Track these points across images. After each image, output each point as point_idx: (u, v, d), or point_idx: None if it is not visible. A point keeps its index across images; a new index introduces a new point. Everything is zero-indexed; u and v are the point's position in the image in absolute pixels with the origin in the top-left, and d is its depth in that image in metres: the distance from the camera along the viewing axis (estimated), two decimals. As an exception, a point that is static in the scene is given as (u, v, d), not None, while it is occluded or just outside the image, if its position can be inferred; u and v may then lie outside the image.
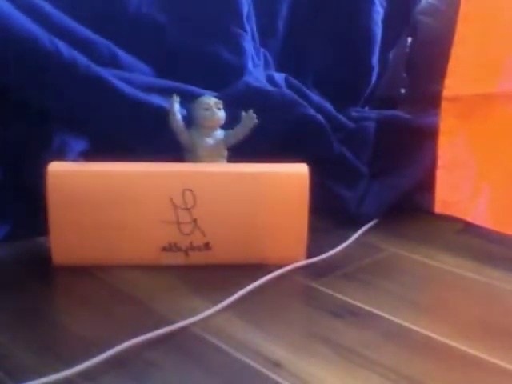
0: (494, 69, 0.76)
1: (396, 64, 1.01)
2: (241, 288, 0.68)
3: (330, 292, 0.70)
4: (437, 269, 0.77)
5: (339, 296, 0.69)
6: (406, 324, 0.64)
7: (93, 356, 0.55)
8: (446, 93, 0.81)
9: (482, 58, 0.78)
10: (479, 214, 0.80)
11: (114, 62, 0.84)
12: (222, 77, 0.91)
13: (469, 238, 0.84)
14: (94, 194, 0.71)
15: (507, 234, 0.78)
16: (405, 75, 1.01)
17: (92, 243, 0.72)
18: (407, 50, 1.06)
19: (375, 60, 1.04)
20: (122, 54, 0.85)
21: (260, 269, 0.72)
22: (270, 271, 0.72)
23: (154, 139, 0.81)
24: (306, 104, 0.90)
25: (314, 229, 0.75)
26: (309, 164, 0.74)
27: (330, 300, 0.68)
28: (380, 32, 1.03)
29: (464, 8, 0.78)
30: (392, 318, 0.65)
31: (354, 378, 0.55)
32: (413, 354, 0.59)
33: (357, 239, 0.84)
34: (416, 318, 0.65)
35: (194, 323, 0.62)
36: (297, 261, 0.75)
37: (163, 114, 0.77)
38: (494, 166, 0.79)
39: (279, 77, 0.94)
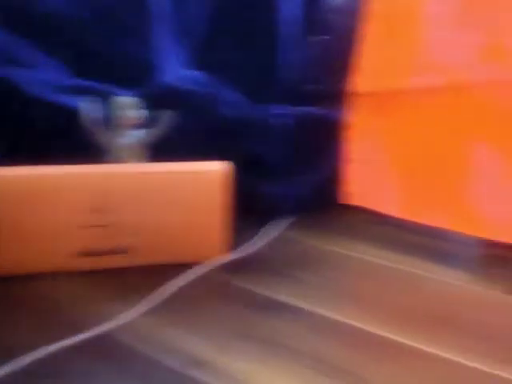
0: (402, 65, 0.79)
1: (309, 61, 1.02)
2: (162, 289, 0.67)
3: (253, 288, 0.70)
4: (357, 260, 0.79)
5: (262, 291, 0.69)
6: (330, 315, 0.65)
7: (4, 364, 0.53)
8: (356, 89, 0.83)
9: (391, 55, 0.80)
10: (393, 204, 0.82)
11: (27, 62, 0.81)
12: (139, 76, 0.90)
13: (385, 229, 0.87)
14: (7, 199, 0.68)
15: (420, 223, 0.80)
16: (318, 72, 1.03)
17: (6, 249, 0.69)
18: (319, 48, 1.08)
19: (289, 58, 1.06)
20: (35, 54, 0.82)
21: (182, 268, 0.72)
22: (190, 271, 0.71)
23: (69, 140, 0.79)
24: (224, 102, 0.90)
25: (235, 226, 0.76)
26: (229, 162, 0.74)
27: (252, 295, 0.69)
28: (292, 30, 1.05)
29: (373, 7, 0.80)
30: (315, 309, 0.66)
31: (279, 371, 0.56)
32: (337, 343, 0.60)
33: (278, 235, 0.85)
34: (339, 308, 0.66)
35: (114, 328, 0.61)
36: (218, 258, 0.75)
37: (77, 114, 0.75)
38: (404, 158, 0.81)
39: (197, 75, 0.94)
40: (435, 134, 0.78)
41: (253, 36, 1.02)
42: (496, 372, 0.57)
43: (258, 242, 0.81)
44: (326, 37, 0.94)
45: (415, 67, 0.78)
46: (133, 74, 0.89)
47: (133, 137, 0.77)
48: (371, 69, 0.81)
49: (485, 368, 0.57)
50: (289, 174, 0.93)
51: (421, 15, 0.78)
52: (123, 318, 0.62)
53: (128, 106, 0.76)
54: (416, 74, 0.78)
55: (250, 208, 0.88)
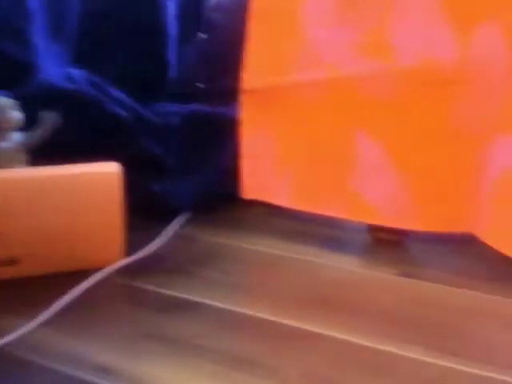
0: (287, 61, 0.81)
1: (197, 59, 1.02)
2: (57, 299, 0.64)
3: (154, 288, 0.69)
4: (257, 252, 0.80)
5: (164, 291, 0.69)
6: (236, 309, 0.66)
7: None
8: (243, 86, 0.84)
9: (275, 52, 0.82)
10: (286, 196, 0.85)
11: None
12: (14, 75, 0.85)
13: (282, 220, 0.89)
14: None
15: (313, 212, 0.83)
16: (206, 70, 1.04)
17: None
18: (203, 46, 1.08)
19: (173, 56, 1.05)
20: None
21: (80, 275, 0.69)
22: (89, 276, 0.69)
23: None
24: (108, 101, 0.88)
25: (131, 227, 0.74)
26: (119, 162, 0.72)
27: (155, 297, 0.68)
28: (175, 28, 1.04)
29: (254, 4, 0.82)
30: (221, 305, 0.67)
31: (190, 371, 0.56)
32: (247, 337, 0.61)
33: (175, 233, 0.84)
34: (243, 301, 0.67)
35: (9, 342, 0.57)
36: (116, 262, 0.73)
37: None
38: (296, 152, 0.83)
39: (78, 74, 0.90)
40: (321, 127, 0.81)
41: (138, 33, 1.00)
42: (399, 351, 0.60)
43: (159, 242, 0.80)
44: (211, 34, 0.94)
45: (298, 63, 0.80)
46: (10, 74, 0.84)
47: (13, 140, 0.73)
48: (258, 66, 0.83)
49: (393, 349, 0.60)
50: (184, 171, 0.93)
51: (301, 12, 0.80)
52: (18, 332, 0.59)
53: (6, 107, 0.71)
54: (299, 70, 0.81)
55: (147, 208, 0.87)
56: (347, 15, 0.78)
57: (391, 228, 0.80)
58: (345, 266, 0.77)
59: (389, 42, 0.75)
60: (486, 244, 0.73)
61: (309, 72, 0.80)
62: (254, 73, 0.83)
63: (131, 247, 0.75)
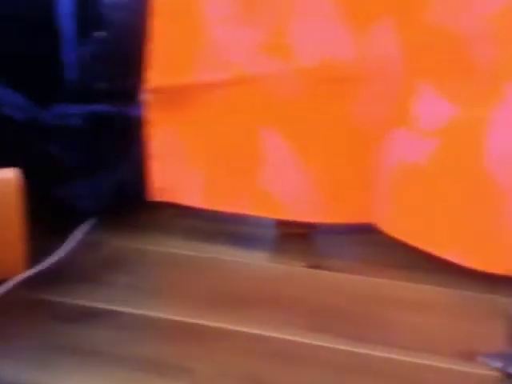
0: (191, 60, 0.81)
1: (92, 59, 1.00)
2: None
3: (62, 299, 0.67)
4: (167, 255, 0.79)
5: (72, 301, 0.67)
6: (149, 313, 0.65)
7: None
8: (147, 85, 0.83)
9: (179, 51, 0.82)
10: (196, 196, 0.84)
11: None
12: None
13: (189, 221, 0.89)
14: None
15: (224, 211, 0.84)
16: (108, 69, 1.01)
17: None
18: (102, 45, 1.06)
19: (70, 55, 1.02)
20: None
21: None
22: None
23: None
24: (3, 104, 0.84)
25: (34, 236, 0.71)
26: (18, 168, 0.69)
27: (63, 307, 0.66)
28: (71, 27, 1.01)
29: (155, 2, 0.81)
30: (131, 310, 0.66)
31: (100, 379, 0.55)
32: (159, 340, 0.61)
33: (80, 239, 0.82)
34: (155, 305, 0.67)
35: None
36: (19, 274, 0.70)
37: None
38: (204, 151, 0.83)
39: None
40: (229, 126, 0.81)
41: (30, 33, 0.96)
42: (311, 341, 0.62)
43: (64, 250, 0.78)
44: (111, 33, 0.92)
45: (203, 62, 0.80)
46: None
47: None
48: (162, 65, 0.82)
49: (305, 340, 0.62)
50: (86, 174, 0.90)
51: (204, 11, 0.80)
52: None
53: None
54: (204, 69, 0.81)
55: (51, 215, 0.83)
56: (249, 15, 0.79)
57: (299, 222, 0.82)
58: (255, 261, 0.78)
59: (289, 42, 0.77)
60: (385, 233, 0.76)
61: (214, 71, 0.80)
62: (158, 72, 0.82)
63: (35, 257, 0.72)
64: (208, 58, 0.80)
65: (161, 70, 0.82)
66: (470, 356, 0.59)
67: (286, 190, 0.81)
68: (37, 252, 0.72)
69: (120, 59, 0.98)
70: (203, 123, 0.83)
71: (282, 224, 0.84)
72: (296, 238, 0.83)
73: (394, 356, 0.60)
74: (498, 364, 0.56)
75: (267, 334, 0.62)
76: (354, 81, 0.76)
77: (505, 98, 0.68)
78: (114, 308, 0.65)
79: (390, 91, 0.75)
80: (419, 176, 0.74)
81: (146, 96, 0.84)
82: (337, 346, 0.61)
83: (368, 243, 0.81)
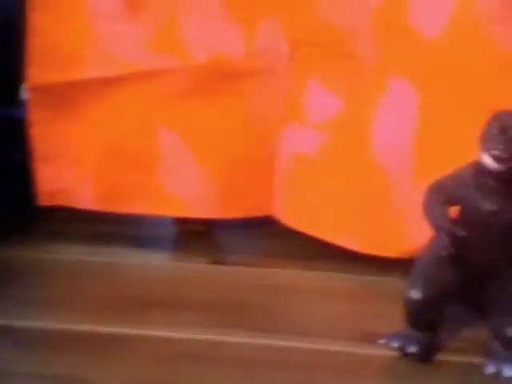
0: (75, 56, 0.78)
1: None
2: None
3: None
4: (58, 261, 0.76)
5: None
6: (44, 325, 0.62)
7: None
8: (28, 84, 0.79)
9: (60, 46, 0.78)
10: (88, 198, 0.82)
11: None
12: None
13: (82, 224, 0.85)
14: None
15: (119, 212, 0.81)
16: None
17: None
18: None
19: None
20: None
21: None
22: None
23: None
24: None
25: None
26: None
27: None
28: None
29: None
30: (28, 323, 0.63)
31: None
32: (61, 352, 0.59)
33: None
34: (53, 316, 0.64)
35: None
36: None
37: None
38: (94, 151, 0.81)
39: None
40: (120, 124, 0.79)
41: None
42: (219, 337, 0.62)
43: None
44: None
45: (89, 59, 0.78)
46: None
47: None
48: (43, 62, 0.78)
49: (212, 337, 0.62)
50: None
51: (87, 5, 0.77)
52: None
53: None
54: (91, 66, 0.78)
55: None
56: (135, 10, 0.77)
57: (198, 219, 0.81)
58: (155, 262, 0.77)
59: (179, 37, 0.76)
60: (284, 224, 0.77)
61: (99, 68, 0.78)
62: (39, 69, 0.78)
63: None
64: (93, 54, 0.77)
65: (41, 67, 0.78)
66: (370, 338, 0.61)
67: (184, 187, 0.80)
68: None
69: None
70: (92, 122, 0.80)
71: (181, 222, 0.83)
72: (196, 235, 0.83)
73: (299, 344, 0.61)
74: (397, 344, 0.59)
75: (173, 335, 0.61)
76: (244, 76, 0.77)
77: (387, 92, 0.71)
78: (8, 323, 0.62)
79: (281, 86, 0.76)
80: (310, 167, 0.76)
81: (27, 95, 0.79)
82: (243, 340, 0.61)
83: (269, 235, 0.82)
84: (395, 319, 0.60)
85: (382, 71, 0.71)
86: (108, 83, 0.78)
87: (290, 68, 0.76)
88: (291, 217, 0.77)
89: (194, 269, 0.75)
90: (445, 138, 0.68)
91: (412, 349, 0.57)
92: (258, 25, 0.75)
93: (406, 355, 0.58)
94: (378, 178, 0.71)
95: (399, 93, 0.70)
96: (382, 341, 0.59)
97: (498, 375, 0.56)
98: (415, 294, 0.57)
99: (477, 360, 0.58)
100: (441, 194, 0.55)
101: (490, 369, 0.56)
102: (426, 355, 0.58)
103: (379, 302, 0.68)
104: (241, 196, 0.80)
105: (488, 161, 0.52)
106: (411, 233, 0.69)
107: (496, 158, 0.51)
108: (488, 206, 0.53)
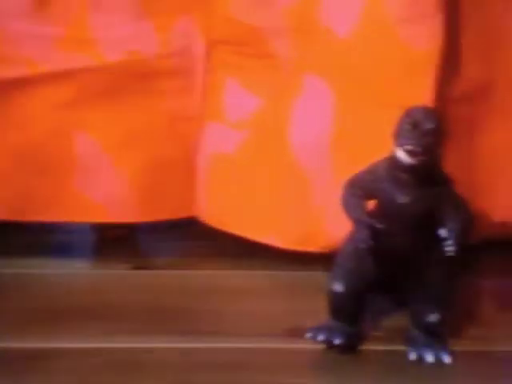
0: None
1: None
2: None
3: None
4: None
5: None
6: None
7: None
8: None
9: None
10: (3, 208, 0.78)
11: None
12: None
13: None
14: None
15: (35, 221, 0.78)
16: None
17: None
18: None
19: None
20: None
21: None
22: None
23: None
24: None
25: None
26: None
27: None
28: None
29: None
30: None
31: None
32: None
33: None
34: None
35: None
36: None
37: None
38: (5, 156, 0.76)
39: None
40: (34, 127, 0.76)
41: None
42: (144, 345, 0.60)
43: None
44: None
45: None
46: None
47: None
48: None
49: (138, 344, 0.61)
50: None
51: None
52: None
53: None
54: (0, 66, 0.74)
55: None
56: (44, 9, 0.74)
57: (118, 224, 0.80)
58: (76, 270, 0.75)
59: (91, 36, 0.74)
60: (207, 224, 0.77)
61: (9, 69, 0.74)
62: None
63: None
64: (2, 53, 0.74)
65: None
66: (298, 333, 0.62)
67: (102, 192, 0.78)
68: None
69: None
70: (1, 127, 0.76)
71: (100, 228, 0.81)
72: (118, 240, 0.81)
73: (229, 345, 0.61)
74: (322, 337, 0.60)
75: (97, 345, 0.60)
76: (161, 76, 0.76)
77: (304, 91, 0.72)
78: None
79: (200, 86, 0.76)
80: (231, 166, 0.76)
81: None
82: (172, 345, 0.61)
83: (192, 237, 0.81)
84: (321, 313, 0.61)
85: (298, 70, 0.72)
86: (17, 84, 0.75)
87: (208, 67, 0.76)
88: (214, 217, 0.77)
89: (118, 275, 0.74)
90: (359, 135, 0.70)
91: (337, 341, 0.59)
92: (173, 23, 0.75)
93: (331, 347, 0.60)
94: (298, 175, 0.73)
95: (315, 91, 0.71)
96: (308, 335, 0.60)
97: (420, 361, 0.58)
98: (338, 287, 0.58)
99: (400, 348, 0.60)
100: (358, 189, 0.57)
101: (412, 356, 0.58)
102: (351, 346, 0.60)
103: (304, 296, 0.69)
104: (162, 198, 0.79)
105: (402, 155, 0.53)
106: (331, 228, 0.70)
107: (409, 153, 0.53)
108: (402, 198, 0.55)
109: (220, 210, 0.77)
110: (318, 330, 0.60)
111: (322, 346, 0.60)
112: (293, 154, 0.72)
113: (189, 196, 0.78)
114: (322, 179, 0.72)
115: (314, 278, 0.71)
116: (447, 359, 0.58)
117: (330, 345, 0.60)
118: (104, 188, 0.78)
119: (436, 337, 0.59)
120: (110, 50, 0.74)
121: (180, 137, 0.78)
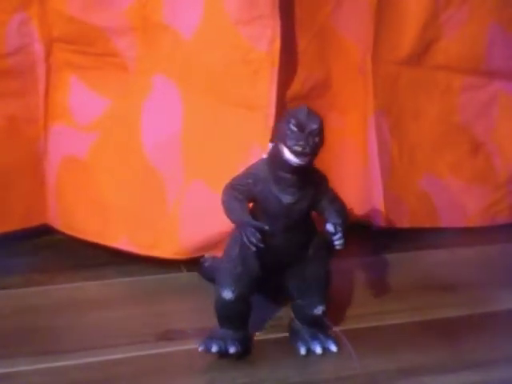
0: None
1: None
2: None
3: None
4: None
5: None
6: None
7: None
8: None
9: None
10: None
11: None
12: None
13: None
14: None
15: None
16: None
17: None
18: None
19: None
20: None
21: None
22: None
23: None
24: None
25: None
26: None
27: None
28: None
29: None
30: None
31: None
32: None
33: None
34: None
35: None
36: None
37: None
38: None
39: None
40: None
41: None
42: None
43: None
44: None
45: None
46: None
47: None
48: None
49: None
50: None
51: None
52: None
53: None
54: None
55: None
56: None
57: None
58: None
59: None
60: (60, 231, 0.72)
61: None
62: None
63: None
64: None
65: None
66: (167, 337, 0.60)
67: None
68: None
69: None
70: None
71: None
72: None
73: (94, 359, 0.57)
74: (216, 348, 0.57)
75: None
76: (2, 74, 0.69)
77: (152, 90, 0.70)
78: None
79: (41, 86, 0.71)
80: (82, 169, 0.71)
81: None
82: (34, 367, 0.56)
83: (44, 247, 0.74)
84: (186, 313, 0.60)
85: (147, 70, 0.70)
86: None
87: (49, 67, 0.71)
88: (66, 223, 0.72)
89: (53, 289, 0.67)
90: (208, 135, 0.69)
91: (232, 349, 0.57)
92: (7, 22, 0.68)
93: (226, 356, 0.57)
94: (152, 177, 0.70)
95: (164, 92, 0.69)
96: (200, 348, 0.57)
97: (310, 353, 0.59)
98: (227, 294, 0.56)
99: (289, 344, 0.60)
100: (239, 192, 0.55)
101: (303, 351, 0.59)
102: (245, 351, 0.58)
103: (167, 299, 0.67)
104: (9, 208, 0.72)
105: (289, 156, 0.53)
106: (185, 233, 0.68)
107: (297, 153, 0.53)
108: (288, 198, 0.55)
109: (72, 216, 0.73)
110: (209, 341, 0.57)
111: (193, 347, 0.58)
112: (145, 156, 0.70)
113: (38, 203, 0.73)
114: (175, 181, 0.69)
115: (174, 280, 0.70)
116: (334, 348, 0.60)
117: (225, 355, 0.57)
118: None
119: (320, 327, 0.60)
120: None
121: (23, 140, 0.72)
